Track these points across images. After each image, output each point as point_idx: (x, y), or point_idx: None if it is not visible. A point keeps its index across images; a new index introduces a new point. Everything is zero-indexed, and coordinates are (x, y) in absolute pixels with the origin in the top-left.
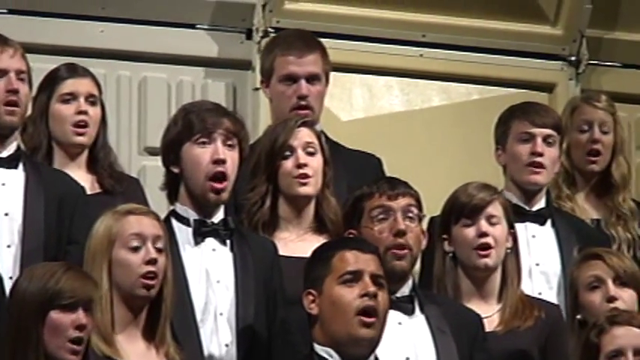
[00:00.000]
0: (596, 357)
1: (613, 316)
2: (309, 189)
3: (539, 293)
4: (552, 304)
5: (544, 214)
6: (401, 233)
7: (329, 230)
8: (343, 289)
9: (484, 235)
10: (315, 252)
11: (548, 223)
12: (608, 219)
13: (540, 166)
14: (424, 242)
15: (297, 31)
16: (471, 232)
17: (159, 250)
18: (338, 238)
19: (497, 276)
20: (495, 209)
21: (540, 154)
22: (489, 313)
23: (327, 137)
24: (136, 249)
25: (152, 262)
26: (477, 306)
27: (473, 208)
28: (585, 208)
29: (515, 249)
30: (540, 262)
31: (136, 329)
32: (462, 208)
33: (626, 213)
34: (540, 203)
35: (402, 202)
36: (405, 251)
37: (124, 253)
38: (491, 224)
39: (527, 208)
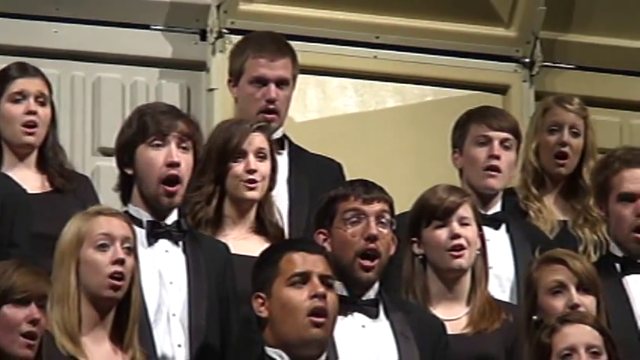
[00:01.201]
0: (548, 357)
1: (564, 315)
2: (256, 193)
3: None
4: (516, 306)
5: (499, 218)
6: (373, 238)
7: (268, 232)
8: (292, 291)
9: (457, 236)
10: (263, 255)
11: (503, 227)
12: (576, 221)
13: (497, 169)
14: (393, 248)
15: (270, 33)
16: (443, 234)
17: (127, 252)
18: (284, 240)
19: (466, 278)
20: (466, 211)
21: (497, 157)
22: (458, 315)
23: (289, 141)
24: (104, 249)
25: (120, 262)
26: (445, 308)
27: (445, 210)
28: (552, 210)
29: (482, 251)
30: (494, 266)
31: (103, 331)
32: (433, 210)
33: (595, 216)
34: (496, 207)
35: (377, 207)
36: (375, 262)
37: (91, 253)
38: (463, 226)
39: (482, 212)
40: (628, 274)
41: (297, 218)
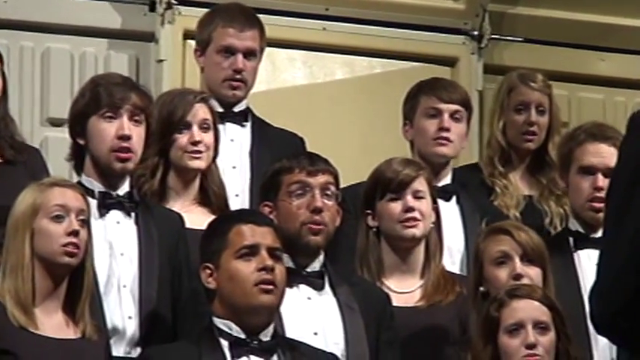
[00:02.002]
0: (496, 330)
1: (513, 289)
2: (201, 163)
3: None
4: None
5: (449, 190)
6: (318, 210)
7: (213, 203)
8: (240, 264)
9: (411, 209)
10: (211, 226)
11: (453, 199)
12: (542, 194)
13: (447, 140)
14: (338, 220)
15: (239, 5)
16: (397, 206)
17: (81, 224)
18: (233, 211)
19: (420, 250)
20: (421, 184)
21: (447, 129)
22: (412, 288)
23: (253, 114)
24: (59, 220)
25: (74, 233)
26: (399, 281)
27: (399, 183)
28: (519, 186)
29: (437, 224)
30: (444, 238)
31: (56, 302)
32: (387, 183)
33: (561, 190)
34: (446, 179)
35: (321, 179)
36: (321, 227)
37: (46, 223)
38: (417, 199)
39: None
40: (581, 249)
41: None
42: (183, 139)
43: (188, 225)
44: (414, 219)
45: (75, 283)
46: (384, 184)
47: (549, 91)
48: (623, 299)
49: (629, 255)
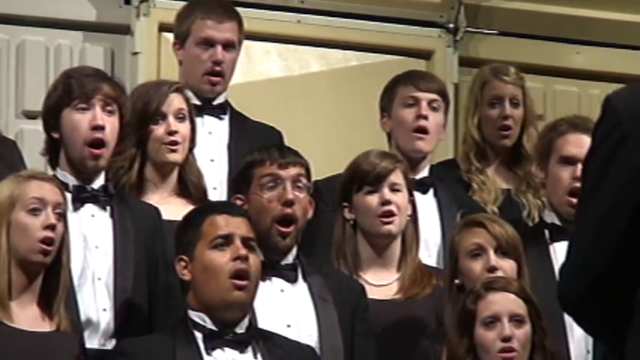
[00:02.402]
0: (472, 323)
1: (489, 282)
2: (178, 156)
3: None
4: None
5: (427, 182)
6: (289, 203)
7: (192, 194)
8: (214, 254)
9: (387, 202)
10: (185, 218)
11: (431, 192)
12: (519, 187)
13: (425, 131)
14: (310, 212)
15: None
16: (374, 200)
17: (58, 217)
18: (207, 203)
19: (397, 244)
20: (398, 177)
21: (425, 117)
22: (388, 281)
23: (231, 107)
24: (36, 213)
25: (51, 227)
26: (376, 274)
27: (376, 176)
28: (496, 180)
29: (414, 217)
30: (421, 230)
31: (31, 296)
32: (364, 176)
33: (538, 182)
34: (424, 172)
35: (292, 171)
36: (291, 228)
37: (23, 216)
38: (394, 192)
39: (410, 176)
40: (556, 242)
41: None
42: (159, 130)
43: (167, 217)
44: (391, 212)
45: (51, 278)
46: (361, 176)
47: (522, 83)
48: (587, 283)
49: (595, 238)
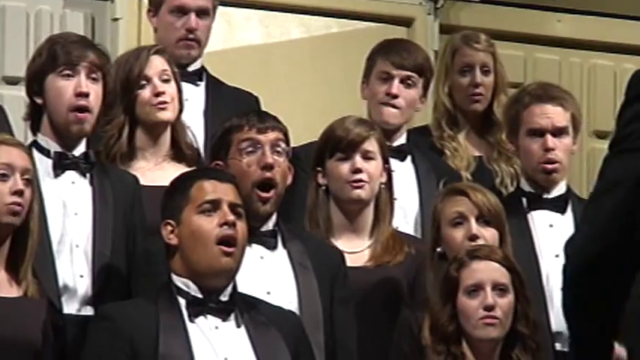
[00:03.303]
0: (455, 291)
1: (473, 250)
2: (168, 114)
3: (397, 228)
4: (420, 239)
5: (404, 149)
6: (268, 167)
7: (186, 157)
8: (202, 219)
9: (358, 171)
10: (173, 182)
11: (408, 159)
12: (490, 155)
13: (393, 107)
14: (290, 178)
15: None
16: (345, 167)
17: (26, 183)
18: (195, 168)
19: (369, 211)
20: (371, 145)
21: (395, 96)
22: (360, 248)
23: (207, 73)
24: (3, 179)
25: (19, 193)
26: (348, 240)
27: (349, 143)
28: (468, 147)
29: (388, 185)
30: (399, 198)
31: None
32: (338, 142)
33: (509, 149)
34: (401, 139)
35: (271, 136)
36: (271, 193)
37: None
38: (367, 160)
39: (387, 143)
40: (534, 210)
41: None
42: (145, 93)
43: (160, 183)
44: (361, 181)
45: (18, 243)
46: (335, 142)
47: (493, 50)
48: (588, 259)
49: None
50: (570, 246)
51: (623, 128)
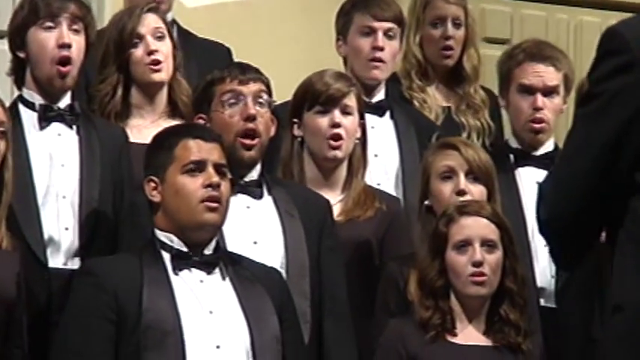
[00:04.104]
0: (444, 246)
1: (462, 206)
2: (162, 75)
3: (378, 184)
4: (393, 196)
5: (383, 105)
6: (251, 118)
7: (182, 114)
8: (186, 179)
9: (337, 125)
10: (157, 138)
11: (387, 114)
12: (458, 107)
13: (380, 60)
14: (273, 129)
15: None
16: (324, 121)
17: (0, 135)
18: (179, 124)
19: (343, 166)
20: (350, 100)
21: (381, 49)
22: (332, 202)
23: (178, 26)
24: None
25: None
26: (320, 193)
27: (329, 97)
28: (436, 97)
29: (362, 140)
30: (379, 154)
31: None
32: (317, 96)
33: (477, 103)
34: (380, 95)
35: (253, 87)
36: (255, 141)
37: None
38: (345, 115)
39: (366, 99)
40: (521, 167)
41: None
42: (138, 52)
43: None
44: (339, 136)
45: None
46: (314, 95)
47: (465, 4)
48: (580, 198)
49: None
50: (543, 203)
51: (594, 86)
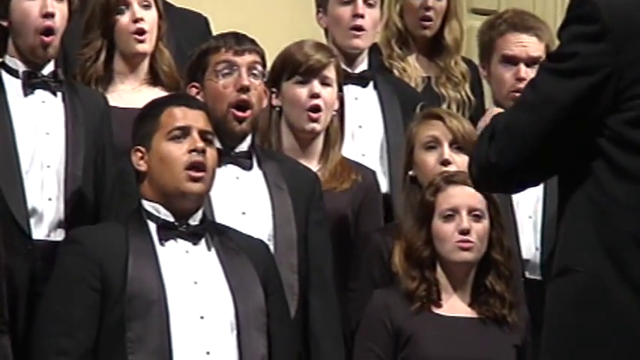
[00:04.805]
0: (431, 215)
1: (449, 175)
2: (146, 46)
3: (363, 155)
4: (369, 169)
5: (366, 76)
6: (245, 89)
7: (163, 83)
8: (171, 145)
9: (316, 96)
10: (144, 109)
11: (371, 85)
12: (439, 79)
13: (361, 29)
14: (265, 100)
15: None
16: (303, 91)
17: None
18: (166, 95)
19: (320, 138)
20: (330, 72)
21: (362, 16)
22: None
23: None
24: None
25: None
26: None
27: (308, 68)
28: (417, 67)
29: (340, 112)
30: (363, 125)
31: None
32: (297, 66)
33: (458, 76)
34: (363, 65)
35: (248, 58)
36: (247, 113)
37: None
38: (324, 86)
39: (349, 70)
40: None
41: None
42: (124, 19)
43: (134, 105)
44: (317, 107)
45: None
46: (293, 66)
47: None
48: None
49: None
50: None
51: (565, 45)
